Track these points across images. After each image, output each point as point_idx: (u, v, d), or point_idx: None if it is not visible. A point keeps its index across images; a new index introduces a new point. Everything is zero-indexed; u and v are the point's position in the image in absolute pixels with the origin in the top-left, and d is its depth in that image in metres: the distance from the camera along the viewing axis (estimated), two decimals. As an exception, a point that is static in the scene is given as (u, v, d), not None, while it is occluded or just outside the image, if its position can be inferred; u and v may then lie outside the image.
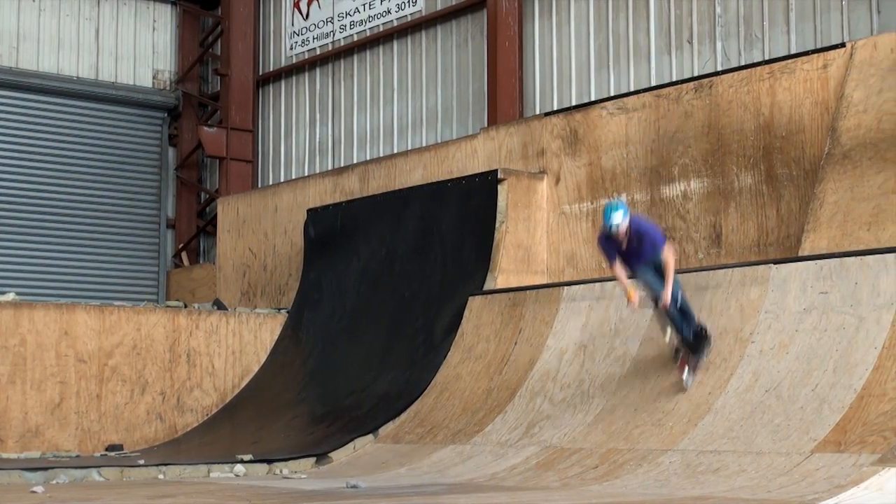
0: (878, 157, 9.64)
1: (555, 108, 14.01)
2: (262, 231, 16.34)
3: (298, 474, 10.01)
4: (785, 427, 7.91)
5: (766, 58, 11.95)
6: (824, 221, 9.66)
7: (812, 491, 6.86)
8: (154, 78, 20.37)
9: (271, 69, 19.50)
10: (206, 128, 19.67)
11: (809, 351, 8.36)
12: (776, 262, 9.26)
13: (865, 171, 9.65)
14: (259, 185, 19.16)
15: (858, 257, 8.58)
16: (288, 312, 14.32)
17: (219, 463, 10.32)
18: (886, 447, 7.00)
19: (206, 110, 20.36)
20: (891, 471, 6.47)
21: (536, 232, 12.61)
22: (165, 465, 10.17)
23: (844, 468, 7.10)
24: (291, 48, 19.01)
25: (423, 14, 16.62)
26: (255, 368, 13.73)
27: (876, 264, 8.39)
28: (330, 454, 10.67)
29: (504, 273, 12.09)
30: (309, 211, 14.96)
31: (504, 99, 14.81)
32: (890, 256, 8.37)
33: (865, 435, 7.38)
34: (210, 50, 20.47)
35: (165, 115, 20.35)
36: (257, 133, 19.67)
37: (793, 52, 11.74)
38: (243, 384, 13.59)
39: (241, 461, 10.36)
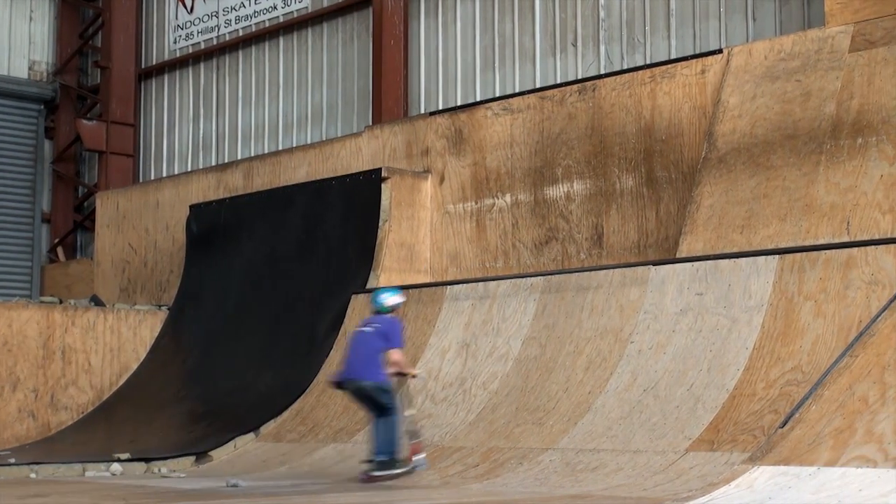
0: (751, 161, 9.90)
1: (440, 108, 14.06)
2: (142, 226, 16.06)
3: (177, 473, 9.87)
4: (661, 426, 8.07)
5: (648, 62, 12.17)
6: (700, 224, 9.88)
7: (686, 489, 7.01)
8: (30, 69, 19.87)
9: (154, 63, 19.17)
10: (84, 121, 19.25)
11: (685, 351, 8.54)
12: (655, 263, 9.44)
13: (739, 175, 9.90)
14: (140, 180, 18.83)
15: (731, 260, 8.80)
16: (169, 309, 14.11)
17: (94, 461, 10.12)
18: (756, 445, 7.19)
19: (86, 103, 19.93)
20: (760, 469, 6.65)
21: (420, 231, 12.63)
22: (38, 463, 9.94)
23: (717, 466, 7.27)
24: (175, 42, 18.72)
25: (310, 10, 16.53)
26: (134, 366, 13.49)
27: (748, 266, 8.62)
28: (210, 453, 10.56)
29: (387, 272, 12.08)
30: (192, 207, 14.75)
31: (389, 98, 14.81)
32: (761, 259, 8.61)
33: (737, 434, 7.57)
34: (90, 42, 20.04)
35: (42, 107, 19.86)
36: (139, 127, 19.32)
37: (673, 57, 11.99)
38: (121, 382, 13.34)
39: (118, 460, 10.17)
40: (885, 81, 9.41)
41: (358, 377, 8.52)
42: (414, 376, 8.84)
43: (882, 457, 6.27)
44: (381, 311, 8.76)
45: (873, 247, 8.12)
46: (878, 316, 7.49)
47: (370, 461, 8.44)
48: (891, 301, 7.58)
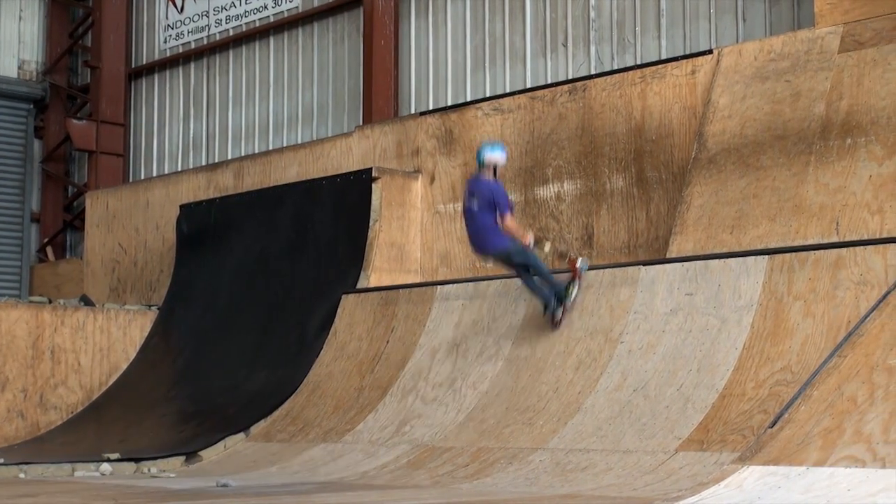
0: (741, 162, 9.92)
1: (430, 108, 14.06)
2: (132, 226, 16.03)
3: (167, 473, 9.85)
4: (651, 426, 8.08)
5: (638, 62, 12.19)
6: (690, 224, 9.89)
7: (676, 489, 7.02)
8: (20, 69, 19.82)
9: (144, 62, 19.14)
10: (74, 120, 19.22)
11: (675, 351, 8.55)
12: (645, 263, 9.46)
13: (729, 175, 9.92)
14: (130, 180, 18.79)
15: (721, 260, 8.82)
16: (159, 309, 14.09)
17: (84, 461, 10.10)
18: (745, 445, 7.21)
19: (76, 102, 19.89)
20: (749, 468, 6.66)
21: (410, 231, 12.63)
22: (27, 463, 9.91)
23: (707, 466, 7.29)
24: (165, 41, 18.70)
25: (300, 10, 16.52)
26: (124, 366, 13.46)
27: (738, 267, 8.63)
28: (200, 453, 10.54)
29: (377, 272, 12.08)
30: (182, 206, 14.73)
31: (379, 98, 14.81)
32: (750, 259, 8.62)
33: (726, 433, 7.58)
34: (80, 41, 20.01)
35: (31, 106, 19.82)
36: (129, 127, 19.29)
37: (663, 57, 12.00)
38: (111, 382, 13.31)
39: (108, 460, 10.15)
40: (874, 82, 9.43)
41: (482, 251, 9.37)
42: (528, 245, 9.26)
43: (870, 457, 6.29)
44: (479, 165, 9.25)
45: (862, 247, 8.14)
46: (866, 316, 7.52)
47: (546, 311, 9.36)
48: (879, 301, 7.60)
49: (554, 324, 9.37)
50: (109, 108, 19.03)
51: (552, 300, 9.33)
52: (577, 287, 9.37)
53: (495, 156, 9.26)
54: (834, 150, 9.40)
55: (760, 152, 9.85)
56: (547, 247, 9.66)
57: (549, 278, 9.36)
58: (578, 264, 9.45)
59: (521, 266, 9.33)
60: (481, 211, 9.15)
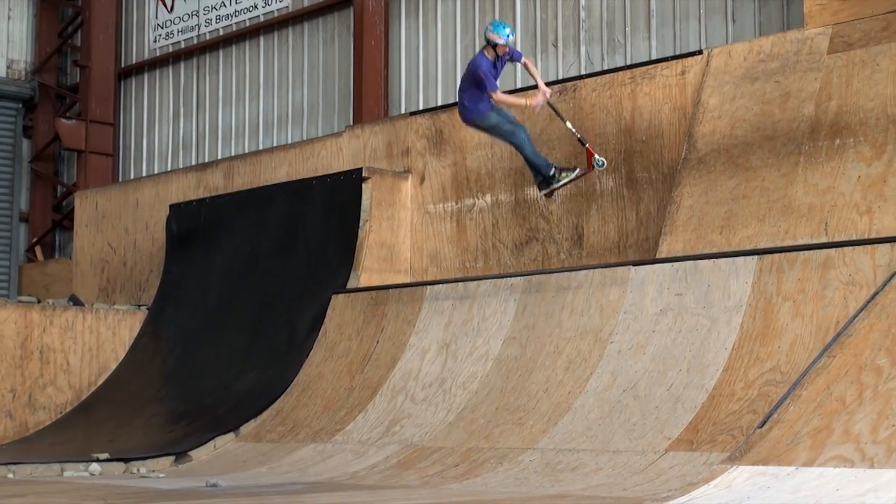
0: (730, 162, 9.94)
1: (421, 108, 14.07)
2: (122, 226, 16.01)
3: (156, 473, 9.84)
4: (641, 426, 8.09)
5: (628, 63, 12.20)
6: (680, 225, 9.91)
7: (666, 489, 7.03)
8: (8, 68, 19.78)
9: (134, 62, 19.12)
10: (64, 120, 19.18)
11: (665, 351, 8.56)
12: (635, 263, 9.47)
13: (719, 175, 9.94)
14: (120, 180, 18.76)
15: (711, 260, 8.84)
16: (148, 309, 14.06)
17: (73, 462, 10.07)
18: (734, 445, 7.22)
19: (65, 102, 19.85)
20: (739, 468, 6.68)
21: (400, 231, 12.63)
22: (15, 463, 9.88)
23: (696, 466, 7.30)
24: (155, 41, 18.68)
25: (290, 10, 16.52)
26: (113, 366, 13.44)
27: (727, 267, 8.65)
28: (189, 453, 10.53)
29: (367, 272, 12.08)
30: (172, 206, 14.70)
31: (370, 98, 14.82)
32: (740, 259, 8.64)
33: (716, 434, 7.60)
34: (69, 41, 19.97)
35: (20, 105, 19.77)
36: (119, 126, 19.26)
37: (653, 58, 12.02)
38: (100, 382, 13.29)
39: (97, 460, 10.13)
40: (863, 83, 9.46)
41: (463, 120, 10.18)
42: (529, 106, 9.83)
43: (859, 457, 6.31)
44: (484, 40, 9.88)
45: (851, 248, 8.16)
46: (855, 316, 7.54)
47: (534, 181, 10.13)
48: (868, 302, 7.62)
49: (545, 197, 10.18)
50: (99, 108, 19.00)
51: (539, 175, 9.85)
52: (577, 172, 10.02)
53: (494, 34, 9.74)
54: (823, 151, 9.42)
55: (750, 153, 9.88)
56: (569, 124, 10.09)
57: (532, 158, 9.75)
58: (594, 159, 9.93)
59: (498, 136, 9.97)
60: (466, 84, 9.84)
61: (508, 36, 9.87)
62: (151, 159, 18.74)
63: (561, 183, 10.08)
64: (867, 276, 7.90)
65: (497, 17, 13.90)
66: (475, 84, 9.84)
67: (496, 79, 9.87)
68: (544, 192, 10.14)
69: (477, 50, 14.03)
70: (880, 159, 9.05)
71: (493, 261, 11.93)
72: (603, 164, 10.06)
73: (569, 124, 10.18)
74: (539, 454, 8.29)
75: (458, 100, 10.19)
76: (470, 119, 10.14)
